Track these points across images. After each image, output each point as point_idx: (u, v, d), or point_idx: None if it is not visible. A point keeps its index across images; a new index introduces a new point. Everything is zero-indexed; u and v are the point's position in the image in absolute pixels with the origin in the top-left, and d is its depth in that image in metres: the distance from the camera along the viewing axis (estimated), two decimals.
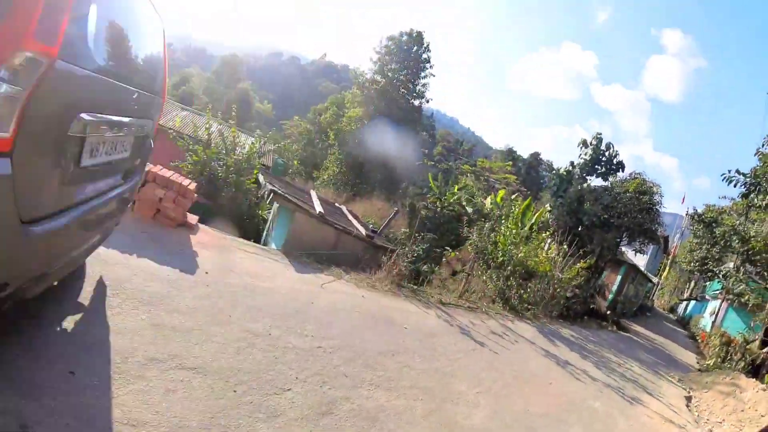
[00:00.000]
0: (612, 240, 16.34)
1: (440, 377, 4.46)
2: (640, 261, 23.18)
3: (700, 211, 19.38)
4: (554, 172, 18.38)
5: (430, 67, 24.16)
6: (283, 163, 23.54)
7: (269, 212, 11.34)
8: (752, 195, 11.52)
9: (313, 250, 7.11)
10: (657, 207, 16.33)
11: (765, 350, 12.52)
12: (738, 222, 13.65)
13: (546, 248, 12.39)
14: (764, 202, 10.99)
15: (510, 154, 54.52)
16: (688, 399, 8.41)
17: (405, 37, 23.55)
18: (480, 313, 8.52)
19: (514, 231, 11.40)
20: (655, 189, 16.35)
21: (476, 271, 10.23)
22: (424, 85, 23.99)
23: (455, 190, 18.76)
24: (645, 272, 25.00)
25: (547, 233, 12.23)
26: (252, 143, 12.36)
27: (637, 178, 16.61)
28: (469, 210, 17.17)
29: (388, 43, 23.93)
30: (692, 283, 33.17)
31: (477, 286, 10.22)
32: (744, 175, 11.45)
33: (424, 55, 24.06)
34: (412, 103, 23.37)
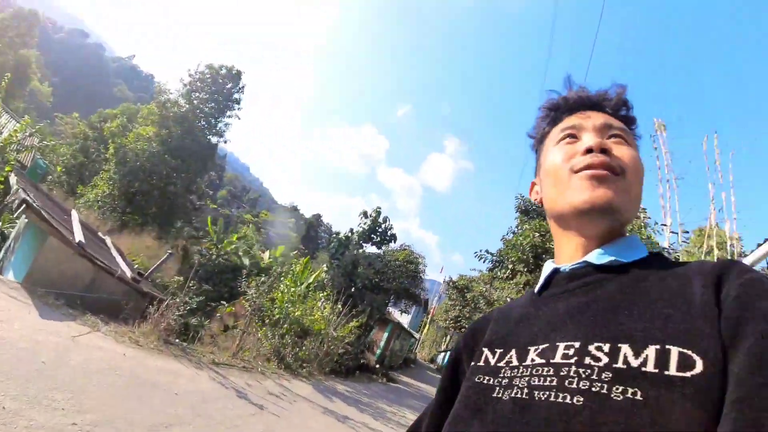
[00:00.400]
0: (381, 301, 18.39)
1: None
2: (405, 319, 26.52)
3: (455, 279, 24.46)
4: (334, 235, 20.00)
5: (239, 109, 23.17)
6: (44, 166, 18.51)
7: (12, 227, 8.87)
8: (496, 269, 15.08)
9: (64, 289, 5.71)
10: (421, 275, 19.56)
11: None
12: (484, 289, 17.71)
13: (321, 307, 13.16)
14: (505, 275, 14.50)
15: (294, 211, 56.58)
16: None
17: (224, 71, 22.49)
18: (255, 373, 8.23)
19: (292, 289, 11.72)
20: (420, 260, 19.62)
21: (252, 327, 10.07)
22: (226, 124, 22.59)
23: (234, 239, 18.24)
24: (409, 329, 28.39)
25: (324, 293, 12.99)
26: (13, 129, 9.82)
27: (406, 249, 19.73)
28: (246, 262, 16.94)
29: (204, 71, 22.19)
30: (448, 337, 40.19)
31: (251, 344, 10.00)
32: (491, 254, 15.11)
33: (237, 95, 23.02)
34: (209, 139, 21.45)
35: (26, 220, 7.32)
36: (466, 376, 0.70)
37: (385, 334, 21.73)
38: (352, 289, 17.41)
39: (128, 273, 7.35)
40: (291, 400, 7.35)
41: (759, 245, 5.20)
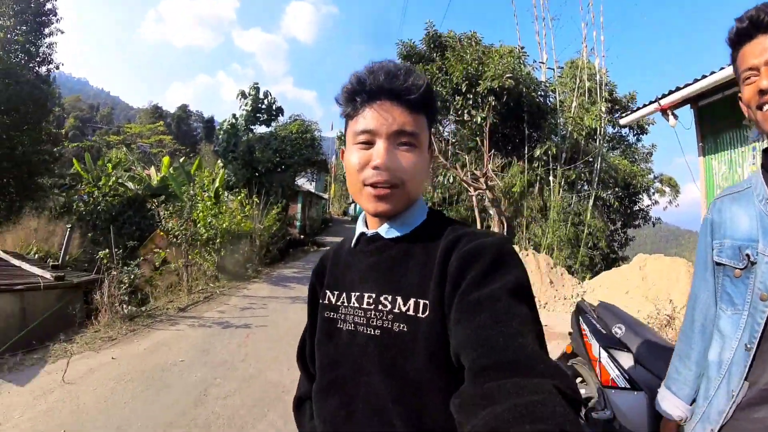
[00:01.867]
0: (289, 178, 18.06)
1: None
2: (311, 186, 26.65)
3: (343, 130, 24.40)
4: (218, 127, 18.03)
5: (57, 20, 16.14)
6: None
7: None
8: None
9: (2, 343, 4.77)
10: (318, 141, 18.97)
11: None
12: None
13: (240, 207, 12.69)
14: None
15: (156, 111, 49.22)
16: None
17: None
18: (217, 297, 8.31)
19: (209, 203, 11.02)
20: (313, 126, 18.78)
21: (191, 257, 9.58)
22: (50, 45, 15.98)
23: (110, 170, 15.69)
24: (317, 193, 29.24)
25: (241, 195, 12.40)
26: None
27: (297, 120, 18.63)
28: (134, 188, 15.00)
29: None
30: None
31: (195, 273, 9.70)
32: None
33: (49, 5, 15.94)
34: (37, 71, 15.39)
35: None
36: (320, 308, 0.94)
37: (299, 206, 22.17)
38: (257, 176, 16.73)
39: (48, 275, 6.09)
40: (261, 305, 7.77)
41: (639, 107, 5.84)
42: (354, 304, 0.85)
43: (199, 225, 10.16)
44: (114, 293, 6.15)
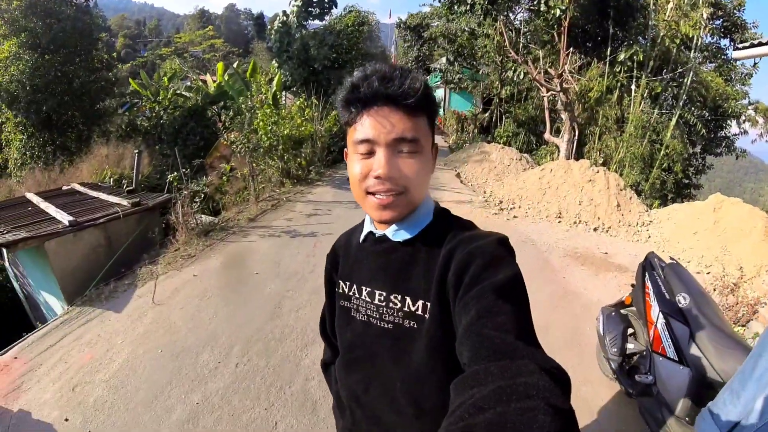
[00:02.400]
0: (348, 75, 17.33)
1: None
2: None
3: (404, 19, 22.62)
4: (271, 27, 17.23)
5: None
6: None
7: None
8: (455, 5, 13.67)
9: (98, 272, 5.37)
10: (375, 32, 17.79)
11: (486, 114, 17.09)
12: (441, 24, 16.66)
13: (300, 111, 12.66)
14: (462, 9, 13.34)
15: (203, 15, 47.86)
16: (458, 175, 11.12)
17: None
18: (283, 205, 8.71)
19: (268, 111, 11.07)
20: (370, 17, 17.49)
21: (255, 166, 9.98)
22: None
23: (165, 83, 15.86)
24: None
25: (300, 100, 12.26)
26: None
27: (352, 11, 17.36)
28: (194, 98, 15.18)
29: None
30: None
31: (261, 181, 10.17)
32: None
33: None
34: (75, 3, 14.97)
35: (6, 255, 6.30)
36: (336, 295, 1.05)
37: None
38: (314, 75, 16.31)
39: (125, 202, 6.56)
40: (326, 211, 8.12)
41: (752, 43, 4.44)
42: (366, 297, 0.95)
43: (260, 134, 10.36)
44: (187, 211, 6.61)
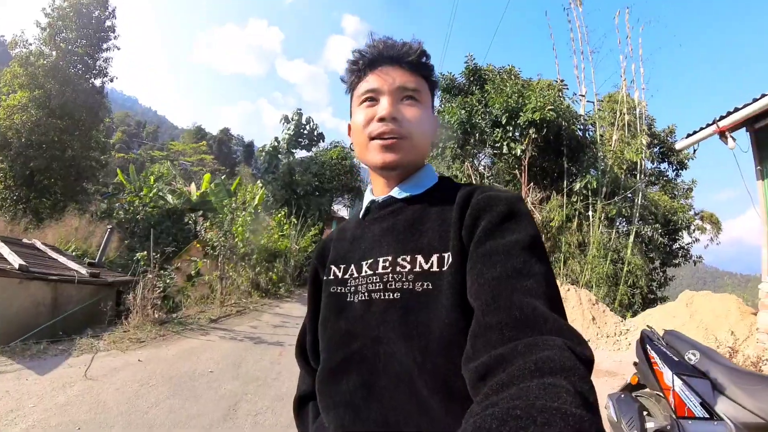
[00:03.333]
0: (326, 202, 18.29)
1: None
2: (345, 213, 26.95)
3: None
4: (261, 149, 18.63)
5: (115, 37, 17.39)
6: None
7: None
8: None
9: (32, 328, 4.84)
10: (357, 168, 19.26)
11: None
12: None
13: (278, 226, 12.86)
14: (434, 153, 14.64)
15: (199, 132, 51.91)
16: None
17: None
18: (250, 313, 8.29)
19: (249, 219, 11.18)
20: (353, 153, 19.08)
21: (227, 270, 9.64)
22: (106, 59, 17.07)
23: (152, 182, 16.30)
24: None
25: (281, 214, 12.55)
26: None
27: (337, 146, 19.06)
28: (174, 201, 15.51)
29: (62, 4, 16.03)
30: None
31: (230, 286, 9.74)
32: None
33: (108, 22, 17.21)
34: (92, 83, 16.39)
35: None
36: (323, 288, 0.91)
37: (333, 230, 22.24)
38: (296, 198, 17.02)
39: (83, 270, 6.22)
40: (294, 324, 7.58)
41: (696, 131, 5.58)
42: (366, 272, 0.83)
43: (237, 239, 10.27)
44: (147, 296, 6.19)
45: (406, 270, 0.76)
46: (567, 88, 13.11)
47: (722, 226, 14.55)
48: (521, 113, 11.70)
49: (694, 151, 5.80)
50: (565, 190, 12.32)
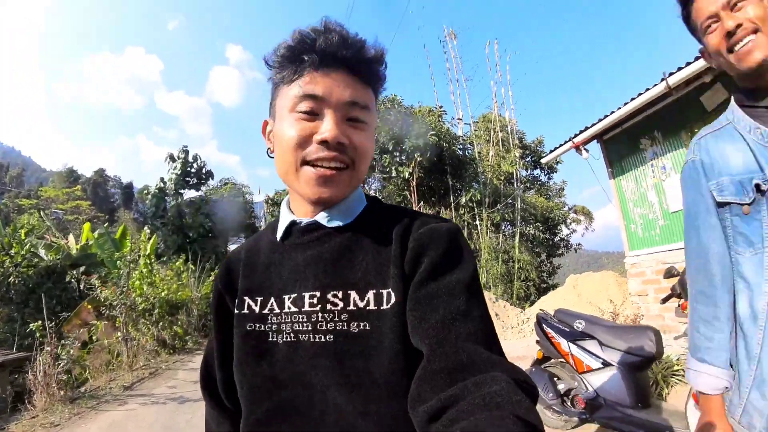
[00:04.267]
0: (222, 244, 17.53)
1: None
2: None
3: (271, 195, 24.58)
4: (144, 191, 17.25)
5: None
6: None
7: None
8: None
9: None
10: (251, 205, 18.85)
11: None
12: None
13: (176, 275, 12.11)
14: None
15: (71, 175, 45.68)
16: None
17: None
18: (162, 373, 7.71)
19: (144, 271, 10.42)
20: (245, 189, 18.72)
21: (130, 329, 8.88)
22: None
23: (23, 237, 14.13)
24: None
25: (179, 262, 11.87)
26: None
27: (228, 183, 18.45)
28: (51, 258, 13.60)
29: None
30: None
31: (134, 347, 8.97)
32: None
33: None
34: None
35: None
36: (236, 322, 0.76)
37: None
38: (189, 243, 16.09)
39: None
40: None
41: (556, 147, 6.97)
42: (290, 308, 0.71)
43: (134, 295, 9.49)
44: (50, 372, 5.50)
45: (339, 308, 0.67)
46: (446, 113, 14.77)
47: (594, 215, 17.56)
48: (406, 139, 12.87)
49: (557, 162, 7.15)
50: (452, 204, 13.73)
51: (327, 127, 0.67)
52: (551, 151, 6.96)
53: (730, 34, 0.96)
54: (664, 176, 5.53)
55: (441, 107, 14.71)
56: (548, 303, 7.97)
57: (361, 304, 0.66)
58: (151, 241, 14.00)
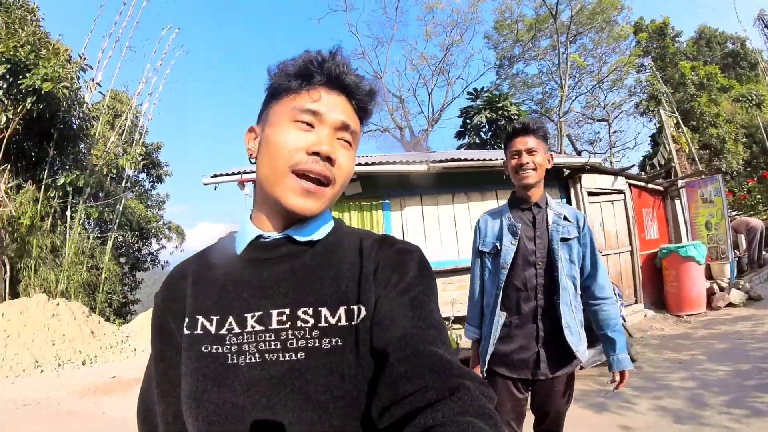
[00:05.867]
0: None
1: None
2: None
3: None
4: None
5: None
6: None
7: None
8: None
9: None
10: None
11: None
12: None
13: None
14: None
15: None
16: None
17: None
18: None
19: None
20: None
21: None
22: None
23: None
24: None
25: None
26: None
27: None
28: None
29: None
30: None
31: None
32: None
33: None
34: None
35: None
36: (186, 344, 0.69)
37: None
38: None
39: None
40: None
41: (226, 173, 6.81)
42: (254, 327, 0.68)
43: None
44: None
45: (309, 325, 0.66)
46: (90, 68, 11.47)
47: (186, 235, 17.20)
48: (28, 74, 9.10)
49: (215, 188, 6.64)
50: (44, 182, 10.41)
51: (322, 140, 0.71)
52: (216, 176, 6.43)
53: (521, 165, 1.86)
54: None
55: (85, 59, 11.23)
56: (139, 323, 7.73)
57: (332, 321, 0.67)
58: None
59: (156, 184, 16.96)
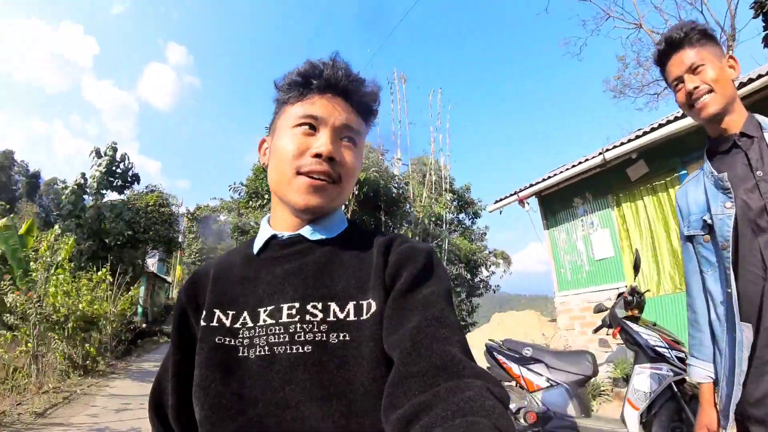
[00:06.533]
0: (141, 256, 16.31)
1: None
2: (154, 266, 23.86)
3: (192, 209, 23.14)
4: (56, 185, 15.55)
5: None
6: None
7: None
8: (251, 201, 15.28)
9: None
10: (177, 217, 17.79)
11: None
12: (234, 218, 17.79)
13: (92, 285, 11.04)
14: (258, 204, 14.94)
15: None
16: None
17: None
18: (80, 398, 6.93)
19: (61, 277, 9.31)
20: (173, 200, 17.69)
21: (43, 345, 7.89)
22: None
23: None
24: (161, 276, 26.08)
25: (102, 271, 10.85)
26: None
27: (155, 190, 17.28)
28: None
29: None
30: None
31: (46, 365, 7.96)
32: (245, 185, 15.09)
33: None
34: None
35: None
36: (201, 336, 0.73)
37: (142, 288, 19.22)
38: (105, 251, 14.74)
39: None
40: (140, 405, 6.60)
41: (503, 198, 7.94)
42: (265, 321, 0.71)
43: (46, 305, 8.43)
44: None
45: (318, 319, 0.68)
46: (388, 152, 15.51)
47: (512, 259, 19.12)
48: None
49: (501, 212, 7.91)
50: None
51: (322, 142, 0.74)
52: (497, 201, 7.81)
53: (690, 94, 1.25)
54: (591, 230, 6.67)
55: (383, 146, 15.43)
56: (476, 337, 8.77)
57: (341, 315, 0.68)
58: (70, 242, 12.71)
59: (475, 219, 19.54)
